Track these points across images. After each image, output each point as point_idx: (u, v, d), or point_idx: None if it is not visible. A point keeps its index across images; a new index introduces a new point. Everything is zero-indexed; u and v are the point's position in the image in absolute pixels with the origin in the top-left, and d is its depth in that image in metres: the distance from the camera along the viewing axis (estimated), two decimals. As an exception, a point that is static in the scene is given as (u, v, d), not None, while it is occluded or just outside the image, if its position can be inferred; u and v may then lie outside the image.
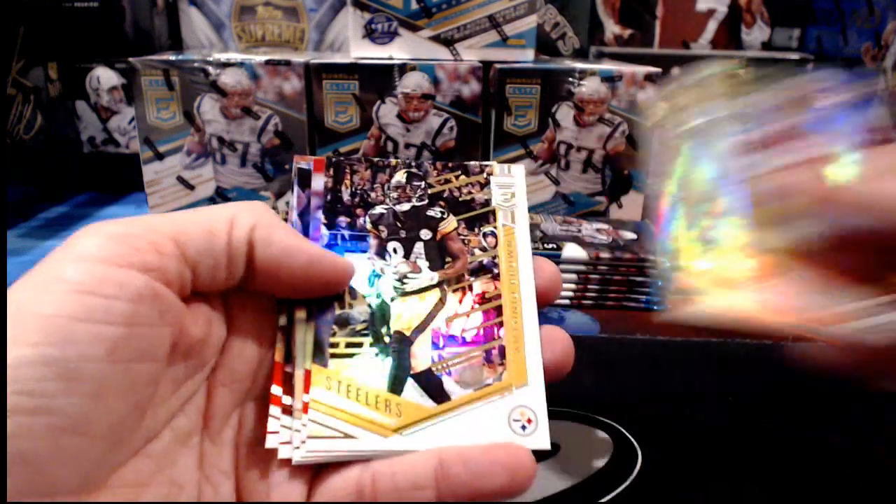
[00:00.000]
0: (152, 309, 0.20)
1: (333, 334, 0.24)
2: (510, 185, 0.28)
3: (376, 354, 0.24)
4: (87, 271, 0.19)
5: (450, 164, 0.28)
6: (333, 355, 0.24)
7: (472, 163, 0.29)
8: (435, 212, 0.27)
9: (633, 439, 0.40)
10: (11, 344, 0.17)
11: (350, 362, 0.24)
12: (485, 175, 0.28)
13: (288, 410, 0.23)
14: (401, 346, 0.24)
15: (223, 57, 0.49)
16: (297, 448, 0.22)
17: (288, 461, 0.22)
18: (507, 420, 0.23)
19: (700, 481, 0.41)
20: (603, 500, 0.40)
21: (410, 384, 0.24)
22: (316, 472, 0.23)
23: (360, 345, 0.24)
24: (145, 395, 0.20)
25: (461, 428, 0.23)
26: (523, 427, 0.23)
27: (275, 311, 0.24)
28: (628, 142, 0.51)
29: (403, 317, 0.25)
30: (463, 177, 0.28)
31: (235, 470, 0.23)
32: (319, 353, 0.24)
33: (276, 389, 0.23)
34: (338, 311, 0.25)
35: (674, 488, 0.41)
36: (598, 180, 0.53)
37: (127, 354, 0.19)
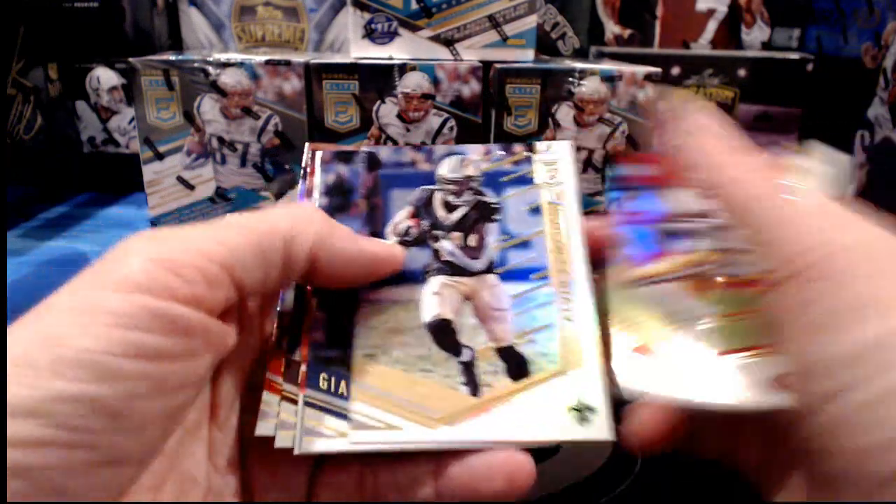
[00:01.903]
0: (199, 342, 0.19)
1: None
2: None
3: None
4: (134, 304, 0.18)
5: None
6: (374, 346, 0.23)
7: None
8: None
9: (633, 439, 0.40)
10: (55, 376, 0.16)
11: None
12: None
13: (289, 399, 0.22)
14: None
15: (223, 57, 0.49)
16: (301, 439, 0.22)
17: (289, 449, 0.22)
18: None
19: (700, 481, 0.41)
20: (603, 500, 0.40)
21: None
22: (318, 462, 0.23)
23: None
24: (180, 418, 0.20)
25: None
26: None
27: (276, 295, 0.24)
28: (628, 142, 0.51)
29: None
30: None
31: (241, 459, 0.23)
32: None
33: (273, 377, 0.23)
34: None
35: (674, 488, 0.41)
36: (598, 180, 0.53)
37: (171, 387, 0.19)
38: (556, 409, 0.22)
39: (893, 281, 0.17)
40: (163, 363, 0.18)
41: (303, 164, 0.28)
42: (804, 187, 0.22)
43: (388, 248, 0.24)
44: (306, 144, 0.28)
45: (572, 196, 0.27)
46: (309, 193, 0.27)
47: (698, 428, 0.23)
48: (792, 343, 0.19)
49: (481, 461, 0.21)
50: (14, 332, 0.17)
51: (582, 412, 0.22)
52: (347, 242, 0.23)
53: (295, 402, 0.22)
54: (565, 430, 0.21)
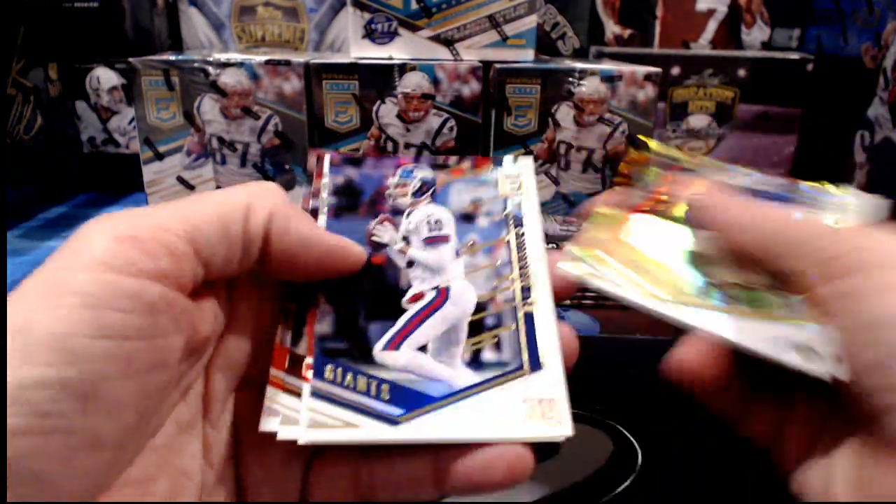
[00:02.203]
0: (167, 318, 0.19)
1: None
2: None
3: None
4: (99, 283, 0.18)
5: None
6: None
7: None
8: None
9: (633, 439, 0.40)
10: (23, 363, 0.16)
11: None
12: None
13: (293, 392, 0.22)
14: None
15: (223, 57, 0.49)
16: (305, 428, 0.22)
17: (288, 443, 0.22)
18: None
19: (700, 481, 0.41)
20: (603, 500, 0.40)
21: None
22: (312, 456, 0.23)
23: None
24: (156, 401, 0.20)
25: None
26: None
27: (270, 292, 0.24)
28: (628, 142, 0.51)
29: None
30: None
31: (235, 454, 0.23)
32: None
33: (277, 373, 0.23)
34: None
35: (674, 488, 0.41)
36: (598, 180, 0.53)
37: (142, 367, 0.18)
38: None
39: None
40: (131, 342, 0.18)
41: (307, 168, 0.28)
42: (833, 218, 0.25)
43: (344, 242, 0.24)
44: (309, 151, 0.29)
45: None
46: (315, 194, 0.27)
47: (737, 381, 0.24)
48: (838, 316, 0.20)
49: (481, 454, 0.21)
50: None
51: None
52: (304, 226, 0.22)
53: (299, 396, 0.22)
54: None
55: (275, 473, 0.22)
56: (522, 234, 0.27)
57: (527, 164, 0.29)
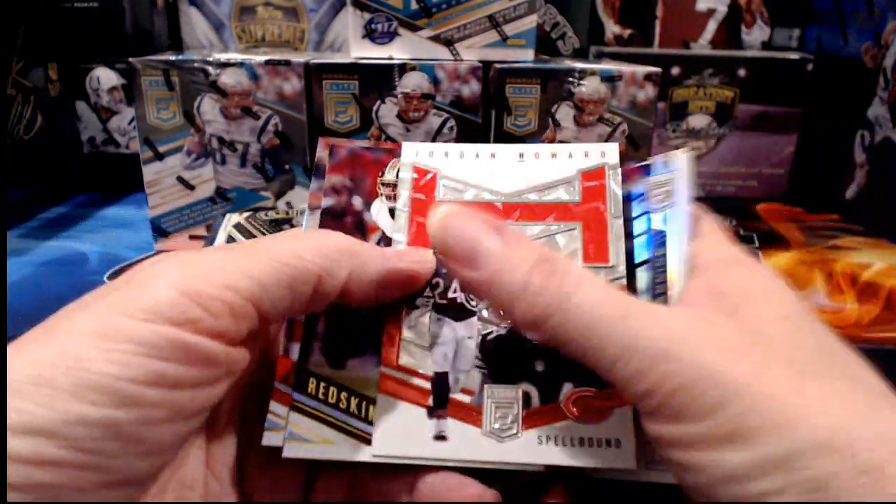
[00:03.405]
0: (219, 370, 0.19)
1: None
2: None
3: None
4: (158, 334, 0.17)
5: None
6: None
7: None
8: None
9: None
10: (72, 398, 0.16)
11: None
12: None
13: (301, 410, 0.22)
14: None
15: (223, 57, 0.49)
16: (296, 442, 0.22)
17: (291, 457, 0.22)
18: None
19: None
20: (605, 501, 0.40)
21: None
22: (312, 470, 0.23)
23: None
24: (190, 438, 0.20)
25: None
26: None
27: None
28: (628, 142, 0.51)
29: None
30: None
31: (239, 464, 0.23)
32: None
33: (281, 386, 0.23)
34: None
35: (673, 488, 0.41)
36: (598, 180, 0.53)
37: (188, 413, 0.19)
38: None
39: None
40: (182, 391, 0.18)
41: (317, 160, 0.27)
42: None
43: (419, 262, 0.23)
44: (328, 142, 0.27)
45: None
46: (325, 192, 0.26)
47: None
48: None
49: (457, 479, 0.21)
50: (34, 349, 0.17)
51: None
52: (378, 266, 0.22)
53: (303, 411, 0.22)
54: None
55: (279, 486, 0.23)
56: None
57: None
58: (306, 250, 0.21)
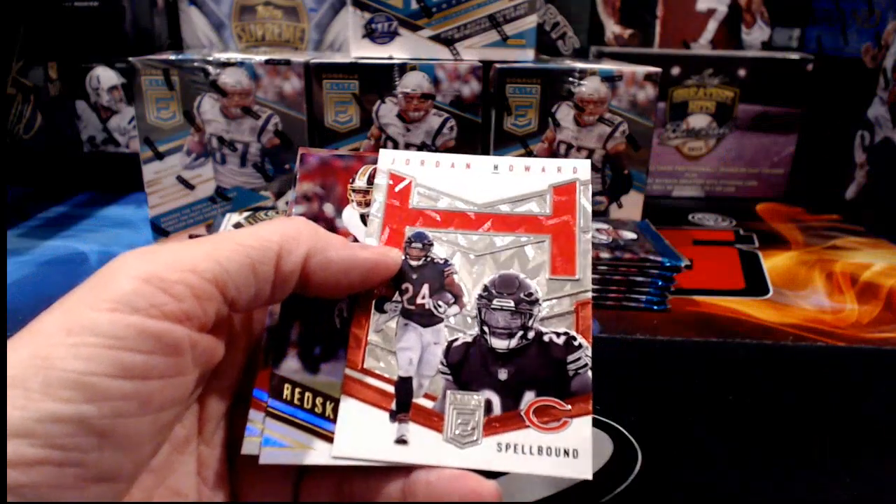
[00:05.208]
0: (188, 359, 0.19)
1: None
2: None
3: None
4: (123, 324, 0.18)
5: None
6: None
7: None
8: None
9: (633, 439, 0.40)
10: (43, 397, 0.16)
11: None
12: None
13: (276, 416, 0.22)
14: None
15: (223, 57, 0.49)
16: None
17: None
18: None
19: (700, 481, 0.41)
20: (603, 500, 0.40)
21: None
22: (301, 474, 0.23)
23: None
24: (168, 434, 0.20)
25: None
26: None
27: (262, 308, 0.24)
28: (628, 142, 0.51)
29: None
30: None
31: (230, 472, 0.23)
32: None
33: (259, 394, 0.23)
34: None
35: (674, 488, 0.41)
36: (598, 180, 0.53)
37: (160, 404, 0.19)
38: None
39: None
40: (151, 381, 0.18)
41: (296, 168, 0.27)
42: None
43: (383, 253, 0.24)
44: (300, 150, 0.28)
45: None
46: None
47: None
48: None
49: (448, 483, 0.21)
50: (10, 353, 0.17)
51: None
52: (342, 252, 0.22)
53: (279, 417, 0.22)
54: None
55: (268, 491, 0.23)
56: None
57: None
58: (266, 231, 0.21)
